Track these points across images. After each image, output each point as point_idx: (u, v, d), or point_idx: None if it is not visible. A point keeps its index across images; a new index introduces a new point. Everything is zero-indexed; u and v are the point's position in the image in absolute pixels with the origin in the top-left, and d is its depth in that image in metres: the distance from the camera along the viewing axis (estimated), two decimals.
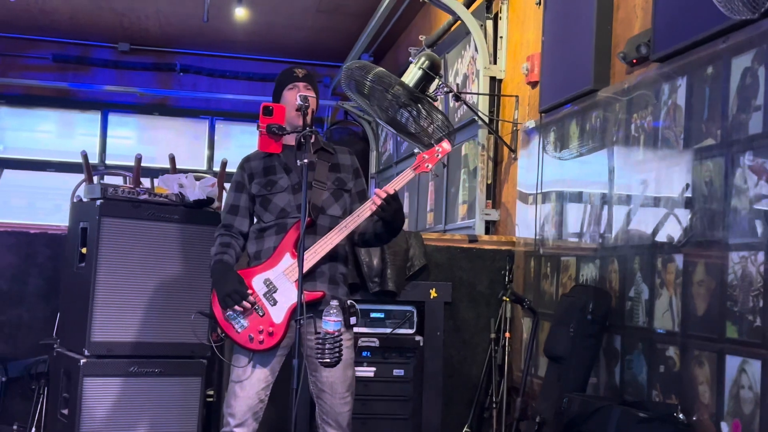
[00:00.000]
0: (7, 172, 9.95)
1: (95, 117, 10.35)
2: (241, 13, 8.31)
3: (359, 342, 4.70)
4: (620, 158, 3.89)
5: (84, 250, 4.40)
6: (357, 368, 4.70)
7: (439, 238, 5.19)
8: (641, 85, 3.71)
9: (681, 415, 3.11)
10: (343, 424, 3.52)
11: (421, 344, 4.79)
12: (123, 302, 4.29)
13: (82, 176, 5.40)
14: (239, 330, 3.40)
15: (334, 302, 3.24)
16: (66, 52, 10.00)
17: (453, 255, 5.06)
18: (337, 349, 3.22)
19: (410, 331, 4.81)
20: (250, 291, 3.39)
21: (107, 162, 10.07)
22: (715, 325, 3.06)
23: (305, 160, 3.21)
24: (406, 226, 7.74)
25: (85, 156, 7.16)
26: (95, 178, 7.31)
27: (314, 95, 3.61)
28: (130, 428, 4.27)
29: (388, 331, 4.77)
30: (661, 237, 3.49)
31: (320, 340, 3.21)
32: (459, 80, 6.37)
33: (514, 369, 4.89)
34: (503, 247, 5.13)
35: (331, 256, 3.47)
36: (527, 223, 4.93)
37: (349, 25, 8.98)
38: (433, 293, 4.88)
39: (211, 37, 9.67)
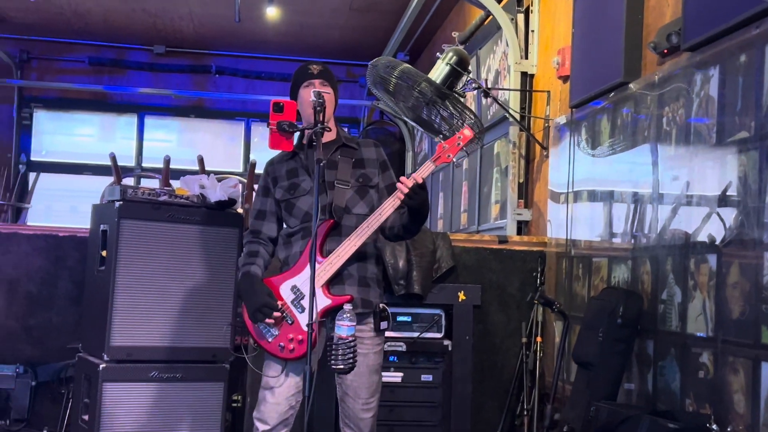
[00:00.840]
0: (49, 176, 10.02)
1: (132, 120, 10.39)
2: (272, 13, 8.24)
3: (385, 346, 4.57)
4: (651, 154, 3.71)
5: (104, 253, 4.34)
6: (384, 373, 4.61)
7: (467, 239, 5.03)
8: (672, 76, 3.53)
9: (714, 426, 2.93)
10: (365, 430, 3.39)
11: (450, 349, 4.65)
12: (143, 306, 4.23)
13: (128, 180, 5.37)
14: (270, 339, 3.30)
15: (348, 306, 3.12)
16: (101, 55, 10.05)
17: (482, 256, 4.90)
18: (350, 355, 3.10)
19: (438, 335, 4.68)
20: (279, 302, 3.29)
21: (144, 165, 10.08)
22: (750, 329, 2.87)
23: (318, 159, 3.09)
24: (440, 227, 7.62)
25: (113, 158, 7.15)
26: (131, 180, 7.29)
27: (331, 91, 3.49)
28: None
29: (416, 335, 4.64)
30: (693, 236, 3.31)
31: (333, 346, 3.10)
32: (491, 76, 6.21)
33: (547, 375, 4.71)
34: (535, 248, 4.97)
35: (360, 257, 3.34)
36: (559, 223, 4.75)
37: (384, 23, 8.86)
38: (461, 296, 4.73)
39: (246, 38, 9.64)
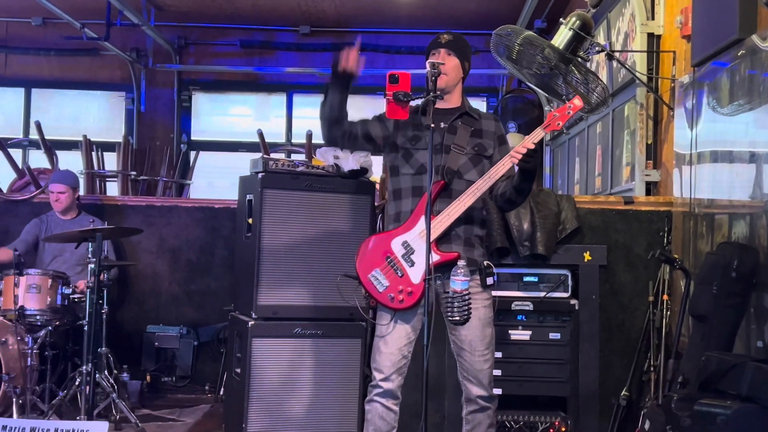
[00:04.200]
0: (210, 154, 10.63)
1: (282, 98, 10.87)
2: None
3: (513, 306, 4.76)
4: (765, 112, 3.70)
5: (250, 221, 4.72)
6: (512, 331, 4.80)
7: (592, 201, 5.12)
8: None
9: None
10: (484, 381, 3.59)
11: (577, 308, 4.76)
12: (285, 267, 4.57)
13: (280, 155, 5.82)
14: (381, 290, 3.55)
15: (462, 262, 3.33)
16: (252, 37, 10.52)
17: (607, 217, 4.98)
18: (465, 308, 3.32)
19: (565, 295, 4.80)
20: (391, 256, 3.52)
21: (294, 141, 10.55)
22: None
23: (428, 126, 3.31)
24: (576, 192, 7.65)
25: (260, 134, 7.62)
26: (281, 155, 7.79)
27: (455, 61, 3.67)
28: (297, 386, 4.56)
29: (542, 294, 4.78)
30: None
31: (449, 299, 3.33)
32: (620, 39, 6.21)
33: (674, 332, 4.76)
34: (661, 208, 4.99)
35: (467, 219, 3.56)
36: (684, 182, 4.77)
37: None
38: (587, 256, 4.83)
39: (384, 14, 9.86)
